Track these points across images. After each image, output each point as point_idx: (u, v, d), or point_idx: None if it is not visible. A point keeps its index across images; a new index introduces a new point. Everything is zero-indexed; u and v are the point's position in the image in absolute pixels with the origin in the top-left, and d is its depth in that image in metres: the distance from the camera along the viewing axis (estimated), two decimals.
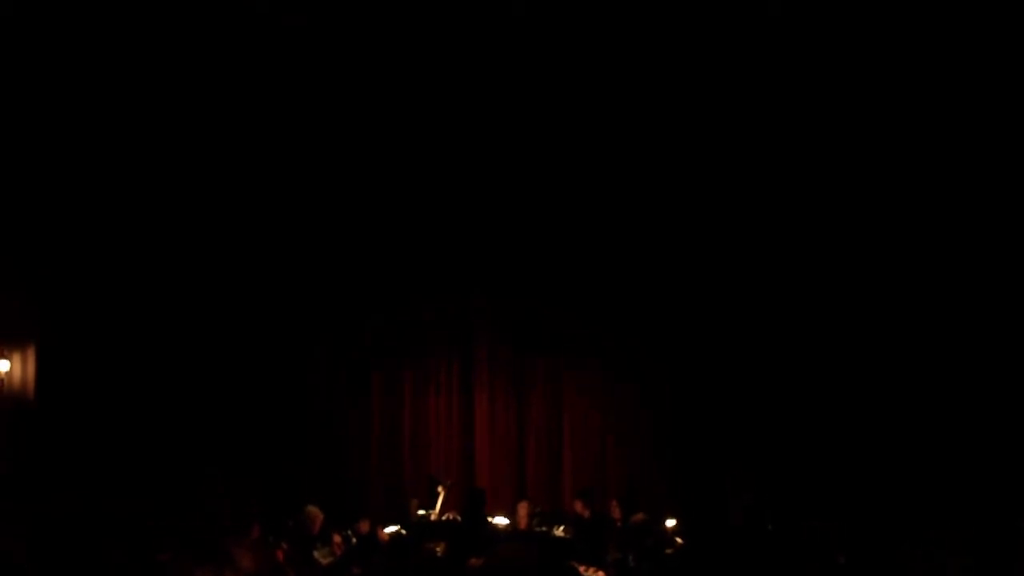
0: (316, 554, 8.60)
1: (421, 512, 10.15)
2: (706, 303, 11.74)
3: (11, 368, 10.05)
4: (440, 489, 10.27)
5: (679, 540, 9.32)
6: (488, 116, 10.55)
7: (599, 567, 8.67)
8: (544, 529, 9.88)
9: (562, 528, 9.81)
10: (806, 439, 11.02)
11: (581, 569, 8.77)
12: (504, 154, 11.09)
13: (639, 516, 9.33)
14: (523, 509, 10.22)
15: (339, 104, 10.33)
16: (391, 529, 9.74)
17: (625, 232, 11.80)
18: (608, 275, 11.94)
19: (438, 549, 9.32)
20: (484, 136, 10.84)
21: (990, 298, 10.25)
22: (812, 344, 11.12)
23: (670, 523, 9.90)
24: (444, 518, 10.04)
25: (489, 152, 11.09)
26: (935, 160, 10.21)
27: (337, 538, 9.00)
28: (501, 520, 10.14)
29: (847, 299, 11.02)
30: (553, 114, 10.45)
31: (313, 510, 8.97)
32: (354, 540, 9.26)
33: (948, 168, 10.19)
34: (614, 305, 12.01)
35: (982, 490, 9.84)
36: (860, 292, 10.94)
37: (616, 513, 9.85)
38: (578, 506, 10.24)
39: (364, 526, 9.67)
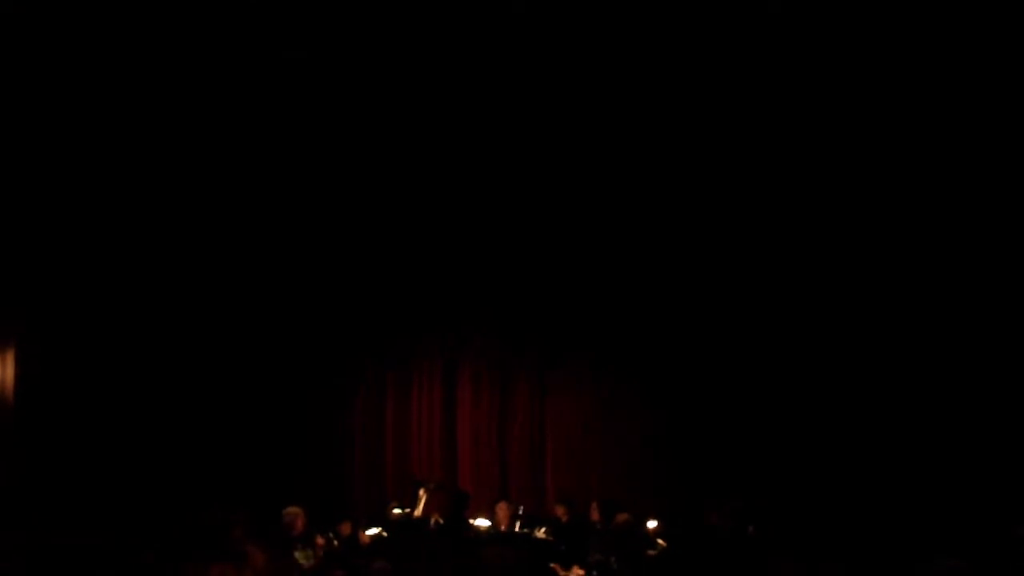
0: (297, 555, 8.53)
1: (397, 511, 10.09)
2: (697, 304, 11.75)
3: None
4: (421, 492, 10.23)
5: (661, 542, 9.32)
6: (485, 117, 10.54)
7: (580, 568, 8.66)
8: (526, 531, 9.86)
9: (543, 530, 9.79)
10: (796, 442, 11.04)
11: (562, 573, 8.79)
12: (500, 154, 11.07)
13: (623, 517, 9.30)
14: (503, 511, 10.17)
15: (335, 104, 10.31)
16: (372, 531, 9.70)
17: (615, 235, 11.79)
18: (596, 277, 11.94)
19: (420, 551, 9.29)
20: (479, 134, 10.82)
21: (988, 303, 10.31)
22: (805, 345, 11.15)
23: (652, 524, 9.88)
24: (430, 519, 10.01)
25: (485, 152, 11.06)
26: (935, 160, 10.23)
27: (320, 540, 8.96)
28: (483, 522, 10.12)
29: (844, 299, 11.05)
30: (550, 111, 10.43)
31: (294, 510, 8.89)
32: (336, 542, 9.22)
33: (948, 168, 10.22)
34: (601, 307, 12.01)
35: (980, 491, 9.88)
36: (857, 293, 10.97)
37: (596, 515, 9.83)
38: (559, 510, 10.24)
39: (346, 528, 9.62)
